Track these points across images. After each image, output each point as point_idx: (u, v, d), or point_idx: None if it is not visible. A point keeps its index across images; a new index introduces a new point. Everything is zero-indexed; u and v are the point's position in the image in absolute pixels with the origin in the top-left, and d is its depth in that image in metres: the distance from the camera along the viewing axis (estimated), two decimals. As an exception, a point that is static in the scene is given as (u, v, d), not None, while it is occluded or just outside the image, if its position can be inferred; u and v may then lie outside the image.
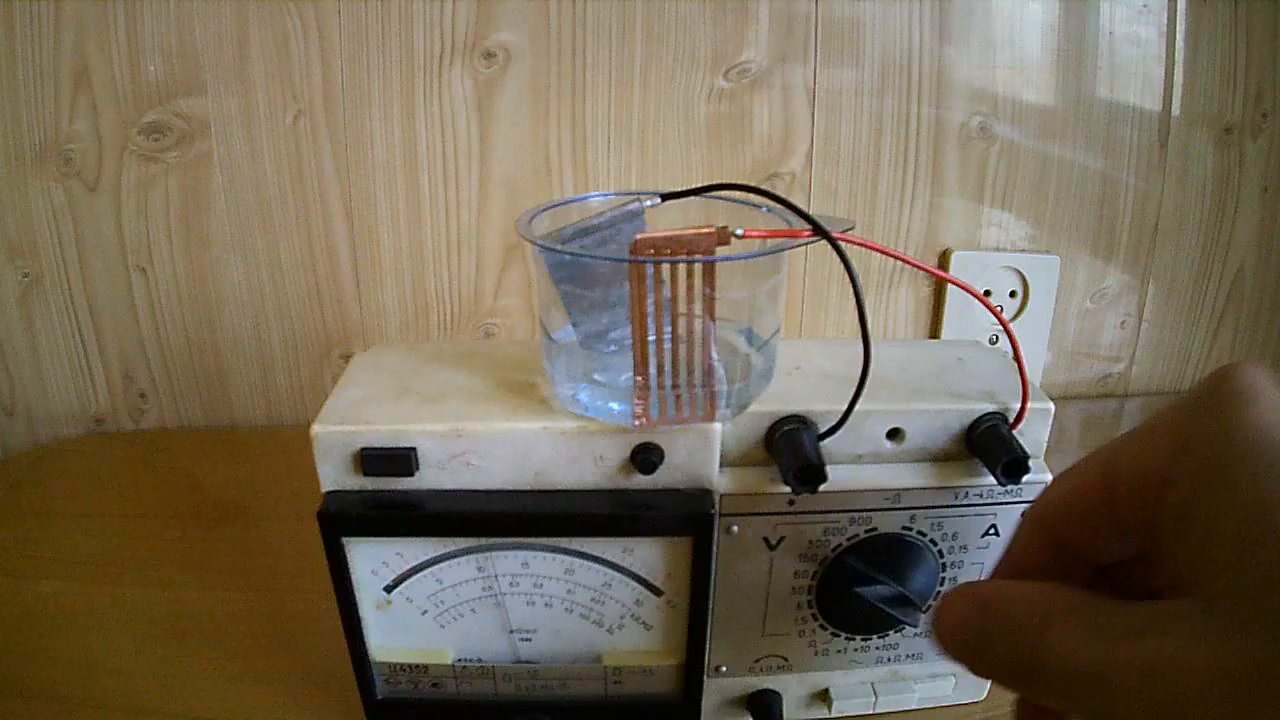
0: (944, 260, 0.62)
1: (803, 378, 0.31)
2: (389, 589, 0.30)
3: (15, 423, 0.63)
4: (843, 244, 0.26)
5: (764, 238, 0.27)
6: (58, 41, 0.54)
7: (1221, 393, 0.20)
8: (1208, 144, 0.61)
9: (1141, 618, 0.18)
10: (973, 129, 0.59)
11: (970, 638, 0.21)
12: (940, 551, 0.31)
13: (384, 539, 0.30)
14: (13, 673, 0.39)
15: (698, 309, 0.25)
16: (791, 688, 0.34)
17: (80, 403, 0.63)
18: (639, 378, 0.27)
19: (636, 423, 0.28)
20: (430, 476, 0.29)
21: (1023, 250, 0.63)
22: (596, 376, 0.29)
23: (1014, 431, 0.30)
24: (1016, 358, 0.32)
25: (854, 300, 0.26)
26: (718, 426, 0.29)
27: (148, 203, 0.58)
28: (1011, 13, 0.57)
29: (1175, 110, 0.60)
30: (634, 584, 0.30)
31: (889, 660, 0.34)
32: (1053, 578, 0.22)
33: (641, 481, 0.29)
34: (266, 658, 0.40)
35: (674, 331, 0.26)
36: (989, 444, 0.29)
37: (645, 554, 0.30)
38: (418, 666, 0.32)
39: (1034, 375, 0.65)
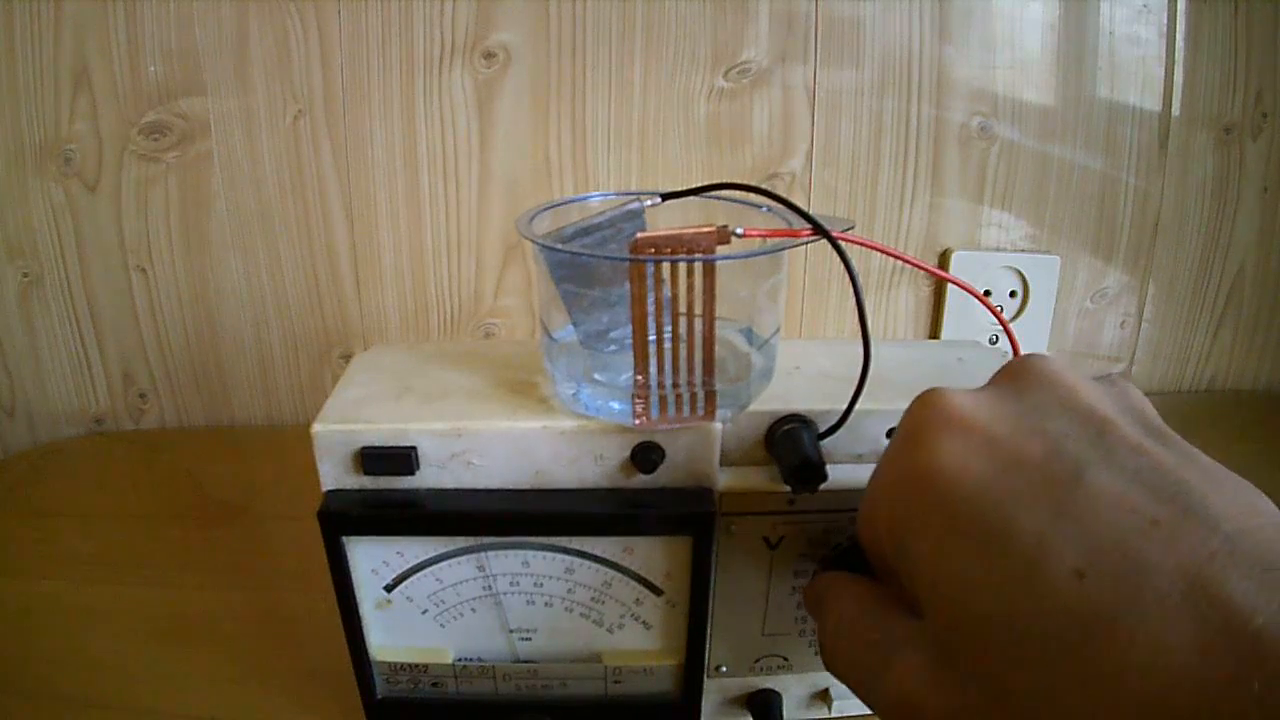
0: (944, 260, 0.62)
1: (803, 377, 0.31)
2: (389, 588, 0.30)
3: (15, 423, 0.63)
4: (843, 244, 0.26)
5: (764, 237, 0.27)
6: (58, 41, 0.54)
7: (905, 432, 0.20)
8: (1208, 144, 0.61)
9: (894, 641, 0.20)
10: (973, 129, 0.59)
11: (811, 614, 0.25)
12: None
13: (384, 538, 0.30)
14: (13, 673, 0.39)
15: (698, 308, 0.25)
16: (791, 688, 0.34)
17: (80, 403, 0.63)
18: (639, 377, 0.27)
19: (637, 422, 0.28)
20: (431, 475, 0.29)
21: (1023, 250, 0.63)
22: (597, 376, 0.29)
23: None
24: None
25: (854, 300, 0.26)
26: (718, 426, 0.29)
27: (148, 203, 0.58)
28: (1011, 13, 0.57)
29: (1175, 110, 0.60)
30: (634, 583, 0.30)
31: (889, 660, 0.34)
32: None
33: (642, 481, 0.29)
34: (266, 658, 0.40)
35: (674, 331, 0.26)
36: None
37: (645, 553, 0.30)
38: (418, 666, 0.32)
39: (1034, 375, 0.65)
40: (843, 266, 0.25)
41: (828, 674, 0.34)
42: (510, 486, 0.29)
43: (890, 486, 0.20)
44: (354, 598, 0.30)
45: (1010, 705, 0.16)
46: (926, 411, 0.20)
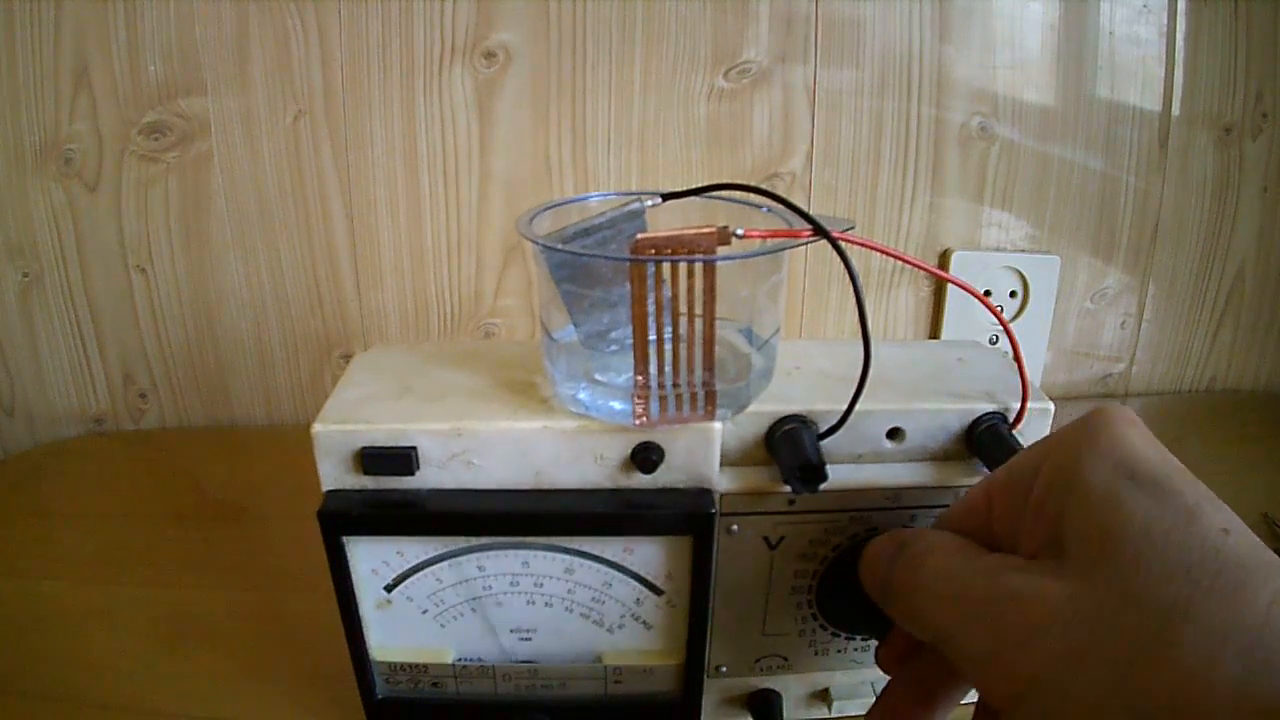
0: (944, 260, 0.62)
1: (803, 377, 0.31)
2: (389, 588, 0.30)
3: (15, 423, 0.63)
4: (843, 244, 0.26)
5: (764, 237, 0.27)
6: (58, 41, 0.54)
7: (1087, 421, 0.24)
8: (1208, 144, 0.61)
9: (1005, 563, 0.23)
10: (973, 129, 0.59)
11: (883, 563, 0.26)
12: (940, 551, 0.31)
13: (384, 538, 0.30)
14: (13, 673, 0.39)
15: (698, 309, 0.25)
16: (791, 688, 0.34)
17: (80, 403, 0.63)
18: (639, 377, 0.27)
19: (637, 422, 0.28)
20: (431, 475, 0.29)
21: (1023, 250, 0.63)
22: (597, 376, 0.29)
23: (1014, 431, 0.30)
24: (1016, 358, 0.32)
25: (854, 300, 0.26)
26: (718, 426, 0.29)
27: (148, 203, 0.58)
28: (1011, 13, 0.57)
29: (1175, 110, 0.60)
30: (634, 583, 0.31)
31: (889, 660, 0.34)
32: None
33: (642, 481, 0.29)
34: (266, 658, 0.40)
35: (674, 331, 0.26)
36: (989, 444, 0.29)
37: (645, 553, 0.30)
38: (418, 666, 0.32)
39: (1034, 375, 0.65)
40: (843, 267, 0.25)
41: (828, 674, 0.34)
42: (510, 486, 0.29)
43: (1069, 441, 0.23)
44: (354, 598, 0.30)
45: (1147, 611, 0.19)
46: (1112, 410, 0.24)
